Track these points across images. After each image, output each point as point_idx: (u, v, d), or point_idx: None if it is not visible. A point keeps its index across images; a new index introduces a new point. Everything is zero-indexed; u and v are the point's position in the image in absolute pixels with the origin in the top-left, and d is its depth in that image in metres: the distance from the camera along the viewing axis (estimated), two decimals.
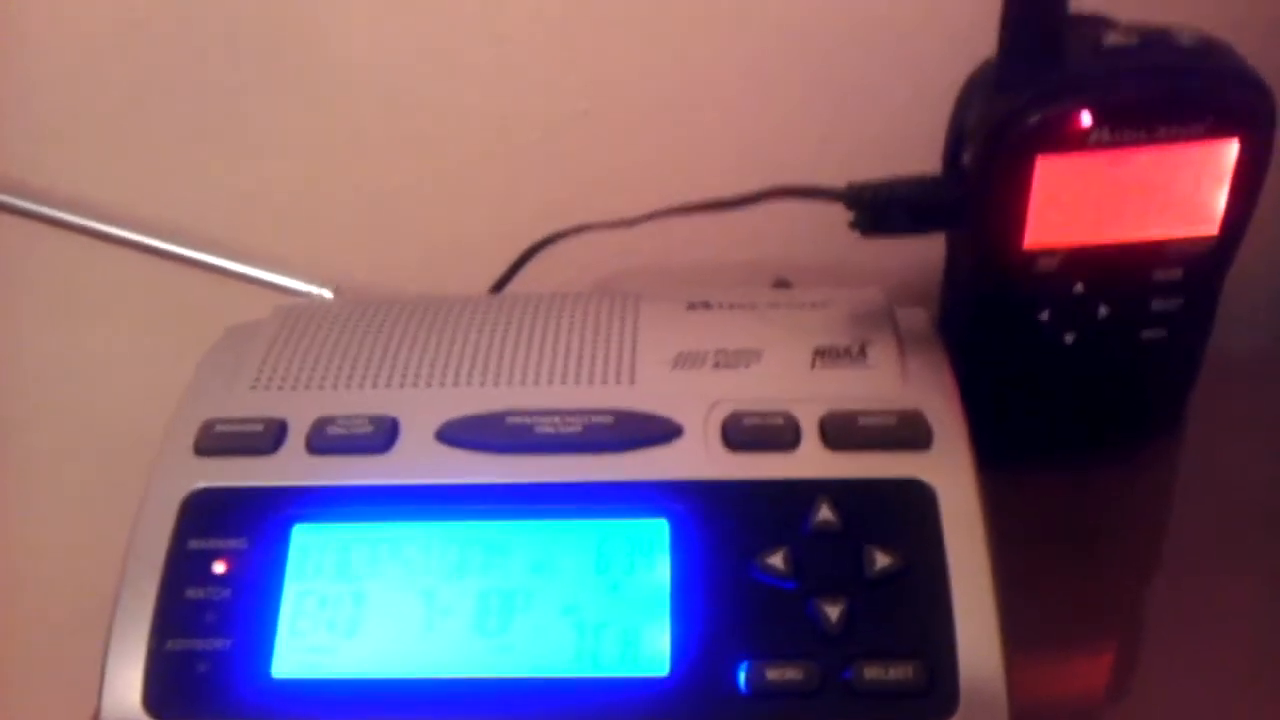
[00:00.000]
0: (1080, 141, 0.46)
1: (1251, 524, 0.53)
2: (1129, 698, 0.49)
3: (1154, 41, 0.47)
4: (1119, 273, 0.49)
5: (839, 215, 0.49)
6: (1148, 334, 0.50)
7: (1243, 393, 0.57)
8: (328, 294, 0.64)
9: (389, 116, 0.64)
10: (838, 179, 0.49)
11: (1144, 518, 0.54)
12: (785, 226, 0.57)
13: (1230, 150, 0.46)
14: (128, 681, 0.41)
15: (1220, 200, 0.47)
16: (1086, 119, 0.45)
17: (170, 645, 0.42)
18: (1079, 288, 0.49)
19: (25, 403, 0.71)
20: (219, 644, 0.42)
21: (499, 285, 0.62)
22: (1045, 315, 0.50)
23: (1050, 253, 0.48)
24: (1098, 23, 0.50)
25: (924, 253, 0.53)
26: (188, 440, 0.46)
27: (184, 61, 0.64)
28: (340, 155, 0.66)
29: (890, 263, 0.57)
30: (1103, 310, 0.50)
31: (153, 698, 0.41)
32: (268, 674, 0.41)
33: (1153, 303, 0.50)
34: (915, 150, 0.50)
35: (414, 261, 0.67)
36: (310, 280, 0.64)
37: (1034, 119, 0.46)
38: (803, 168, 0.51)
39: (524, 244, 0.61)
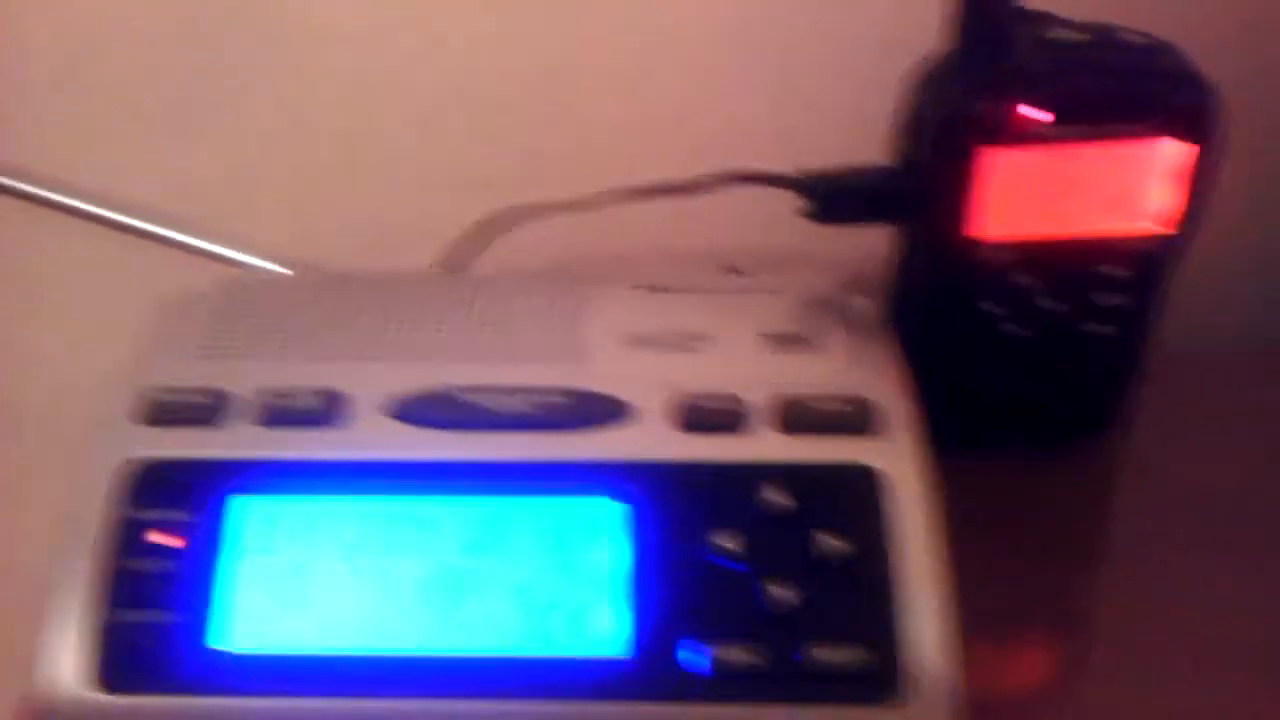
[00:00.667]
0: (1025, 135, 0.46)
1: (1191, 516, 0.54)
2: (1071, 693, 0.49)
3: (1102, 39, 0.48)
4: (1064, 267, 0.50)
5: (791, 203, 0.49)
6: (1092, 328, 0.51)
7: (1189, 388, 0.58)
8: (285, 271, 0.63)
9: (347, 94, 0.64)
10: (792, 166, 0.49)
11: (1085, 509, 0.55)
12: (738, 213, 0.57)
13: (1175, 150, 0.47)
14: (67, 653, 0.40)
15: (1167, 197, 0.48)
16: (1032, 113, 0.46)
17: (112, 618, 0.41)
18: (1024, 280, 0.50)
19: None
20: (162, 617, 0.41)
21: (446, 263, 0.61)
22: (990, 306, 0.51)
23: (995, 245, 0.49)
24: (1047, 19, 0.51)
25: (875, 242, 0.53)
26: (128, 409, 0.45)
27: (143, 41, 0.63)
28: (294, 135, 0.65)
29: (842, 251, 0.57)
30: (1047, 303, 0.50)
31: (95, 669, 0.40)
32: (212, 647, 0.41)
33: (1098, 298, 0.51)
34: (870, 141, 0.50)
35: (365, 240, 0.66)
36: (262, 257, 0.63)
37: (979, 111, 0.46)
38: (757, 154, 0.51)
39: (470, 221, 0.61)
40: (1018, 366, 0.53)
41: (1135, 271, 0.50)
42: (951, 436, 0.54)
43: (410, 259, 0.60)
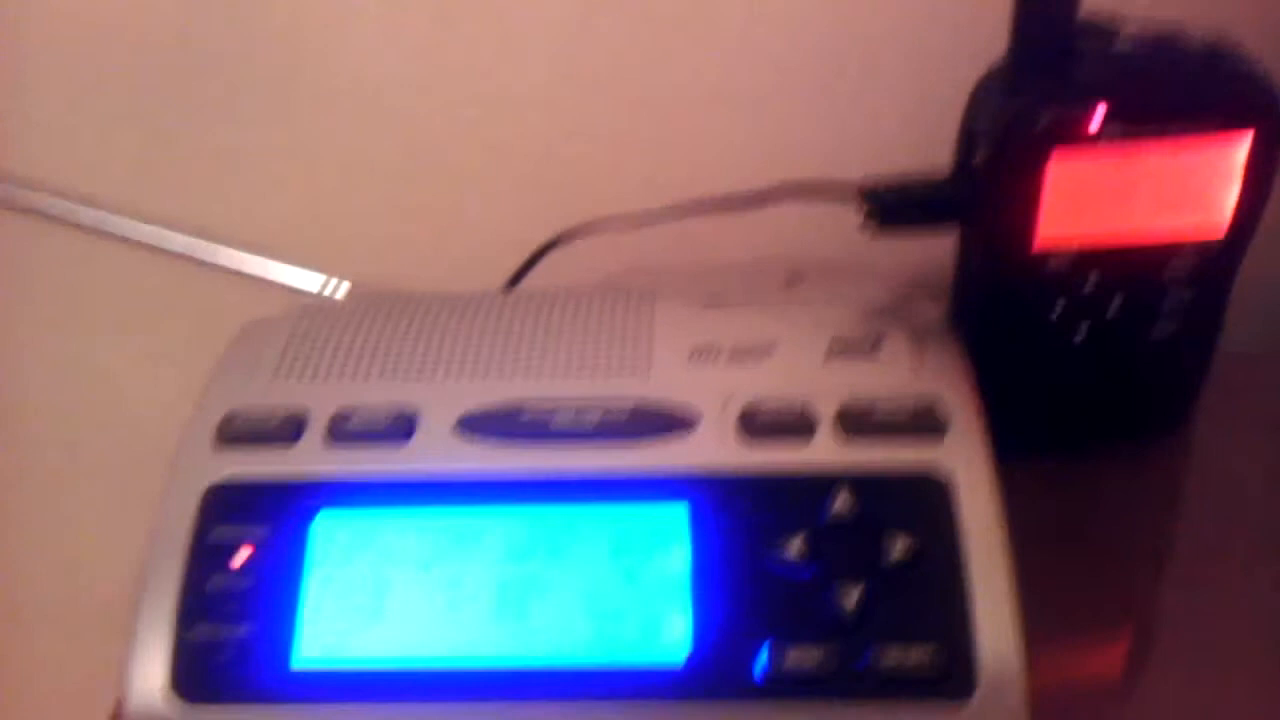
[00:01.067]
0: (1092, 141, 0.46)
1: (1259, 521, 0.53)
2: (1137, 693, 0.49)
3: (1165, 41, 0.48)
4: (1129, 270, 0.49)
5: (851, 214, 0.50)
6: (1158, 331, 0.51)
7: (1253, 389, 0.57)
8: (341, 291, 0.64)
9: (402, 117, 0.65)
10: (851, 177, 0.50)
11: (1151, 514, 0.55)
12: (798, 225, 0.58)
13: (1240, 148, 0.47)
14: (152, 668, 0.42)
15: (1230, 198, 0.48)
16: (1098, 118, 0.46)
17: (194, 633, 0.42)
18: (1090, 286, 0.50)
19: (36, 406, 0.71)
20: (242, 631, 0.42)
21: (512, 283, 0.62)
22: (1056, 313, 0.50)
23: (1061, 251, 0.49)
24: (1110, 23, 0.51)
25: (935, 251, 0.53)
26: (209, 432, 0.46)
27: (197, 62, 0.64)
28: (352, 155, 0.66)
29: (902, 260, 0.57)
30: (1113, 308, 0.50)
31: (177, 683, 0.41)
32: (290, 660, 0.42)
33: (1163, 300, 0.50)
34: (928, 149, 0.50)
35: (425, 262, 0.67)
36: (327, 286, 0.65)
37: (1046, 118, 0.46)
38: (816, 166, 0.51)
39: (536, 243, 0.62)
40: (1083, 373, 0.52)
41: (1199, 272, 0.49)
42: (1018, 441, 0.54)
43: (478, 281, 0.61)
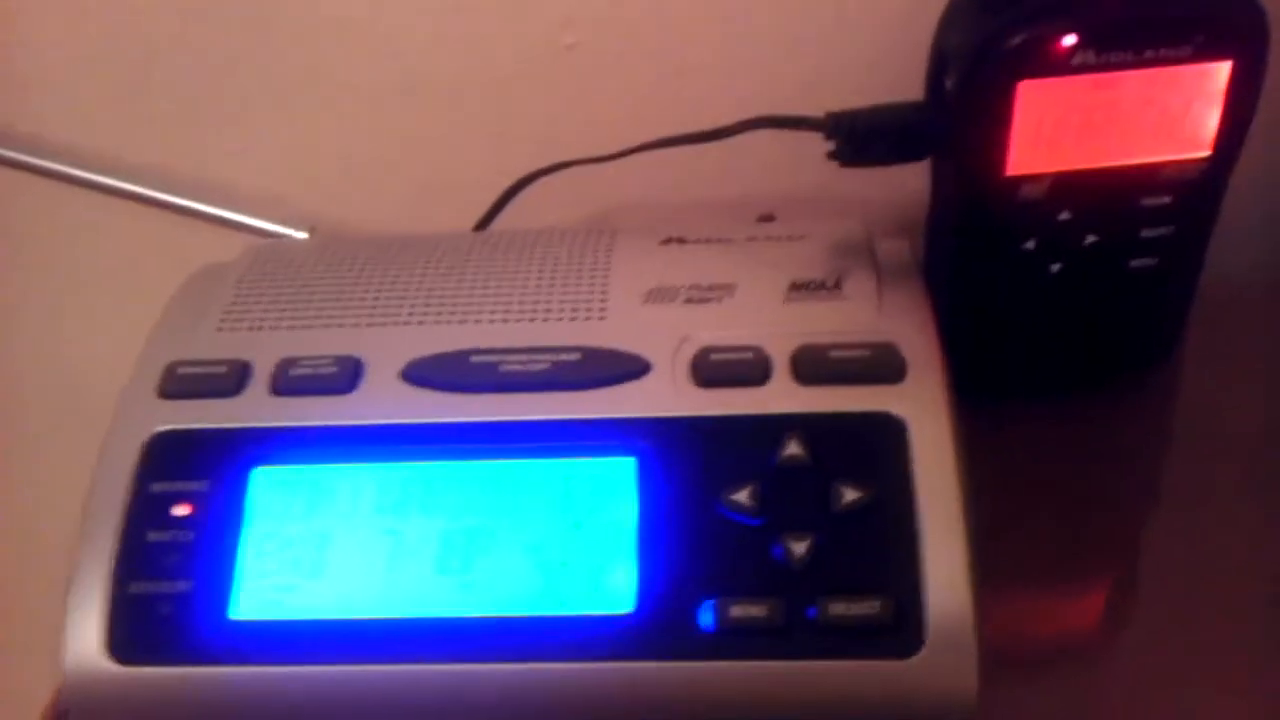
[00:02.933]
0: (1064, 65, 0.44)
1: (1246, 458, 0.52)
2: (1117, 638, 0.48)
3: None
4: (1106, 199, 0.47)
5: (824, 146, 0.48)
6: (1137, 262, 0.49)
7: (1238, 322, 0.55)
8: (302, 234, 0.63)
9: (368, 56, 0.63)
10: (824, 109, 0.48)
11: (1136, 451, 0.53)
12: (771, 159, 0.56)
13: (1221, 71, 0.45)
14: (89, 625, 0.41)
15: (1211, 123, 0.46)
16: (1069, 41, 0.44)
17: (132, 588, 0.41)
18: (1065, 215, 0.48)
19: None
20: (181, 586, 0.41)
21: (482, 224, 0.61)
22: (1031, 244, 0.49)
23: (1034, 179, 0.47)
24: None
25: (911, 182, 0.51)
26: (151, 382, 0.45)
27: (163, 5, 0.63)
28: (320, 96, 0.65)
29: (877, 193, 0.56)
30: (1090, 238, 0.48)
31: (114, 642, 0.41)
32: (228, 615, 0.41)
33: (1142, 230, 0.48)
34: (905, 79, 0.48)
35: (396, 202, 0.66)
36: (291, 223, 0.63)
37: (1015, 42, 0.44)
38: (790, 99, 0.49)
39: (508, 180, 0.60)
40: (1062, 306, 0.50)
41: (1178, 200, 0.47)
42: (995, 381, 0.52)
43: (446, 222, 0.60)
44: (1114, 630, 0.49)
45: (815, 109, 0.48)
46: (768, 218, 0.57)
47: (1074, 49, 0.44)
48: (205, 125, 0.66)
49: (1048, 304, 0.50)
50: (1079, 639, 0.48)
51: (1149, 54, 0.44)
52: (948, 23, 0.48)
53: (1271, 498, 0.51)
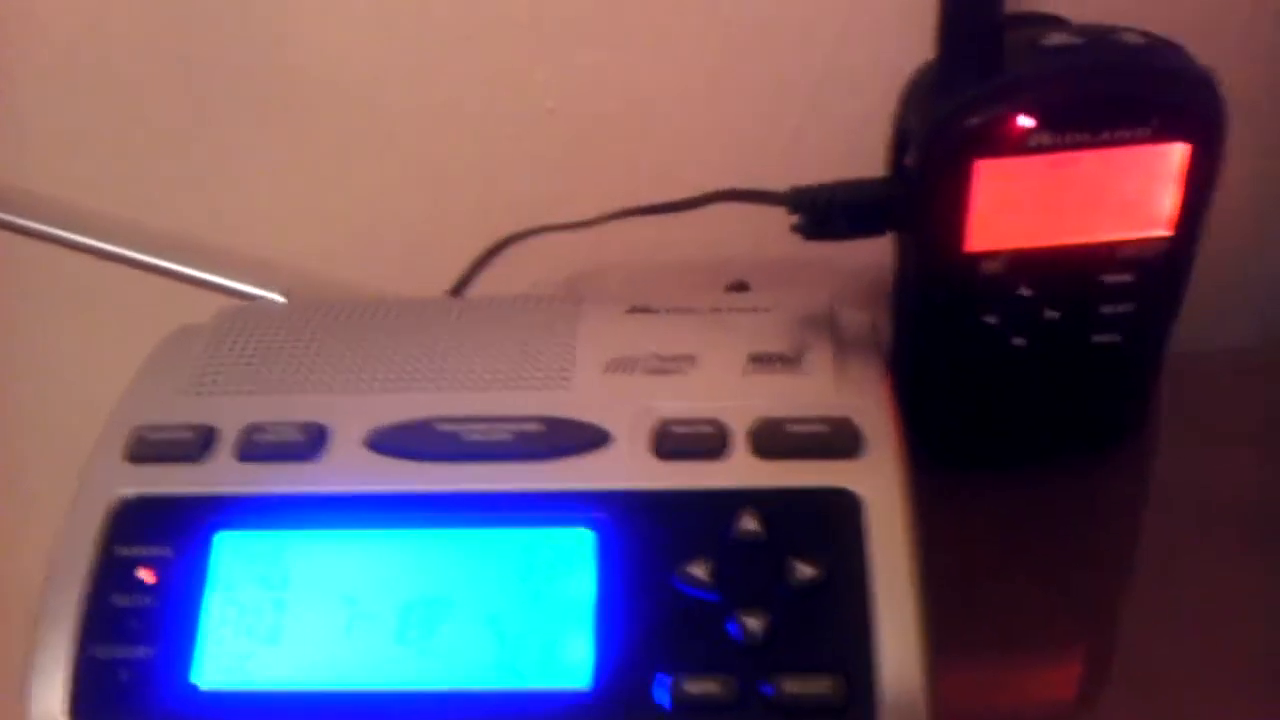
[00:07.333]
0: (1020, 144, 0.45)
1: (1217, 528, 0.52)
2: (1092, 701, 0.48)
3: (1098, 41, 0.46)
4: (1066, 276, 0.48)
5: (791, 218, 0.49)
6: (1099, 338, 0.50)
7: (1213, 394, 0.56)
8: (279, 298, 0.63)
9: (350, 118, 0.64)
10: (804, 181, 0.48)
11: (1107, 523, 0.54)
12: (741, 228, 0.57)
13: (1178, 152, 0.45)
14: (52, 690, 0.41)
15: (1169, 203, 0.46)
16: (1025, 121, 0.44)
17: (94, 653, 0.41)
18: (1025, 290, 0.48)
19: None
20: (142, 652, 0.41)
21: (459, 286, 0.62)
22: (992, 318, 0.49)
23: (993, 255, 0.47)
24: (1044, 22, 0.49)
25: (880, 254, 0.52)
26: (118, 446, 0.46)
27: (145, 62, 0.63)
28: (302, 158, 0.65)
29: (849, 264, 0.56)
30: (1050, 313, 0.49)
31: (76, 707, 0.41)
32: (189, 683, 0.41)
33: (1102, 306, 0.49)
34: (876, 152, 0.49)
35: (373, 264, 0.66)
36: (268, 285, 0.64)
37: (972, 122, 0.45)
38: (769, 171, 0.50)
39: (485, 244, 0.61)
40: (1026, 380, 0.51)
41: (1139, 278, 0.48)
42: (966, 452, 0.53)
43: (424, 283, 0.60)
44: (1082, 702, 0.49)
45: (791, 178, 0.49)
46: (741, 285, 0.57)
47: (1030, 130, 0.44)
48: (186, 187, 0.66)
49: (1011, 377, 0.51)
50: (1045, 712, 0.48)
51: (1105, 135, 0.45)
52: (908, 101, 0.48)
53: (1248, 561, 0.51)
